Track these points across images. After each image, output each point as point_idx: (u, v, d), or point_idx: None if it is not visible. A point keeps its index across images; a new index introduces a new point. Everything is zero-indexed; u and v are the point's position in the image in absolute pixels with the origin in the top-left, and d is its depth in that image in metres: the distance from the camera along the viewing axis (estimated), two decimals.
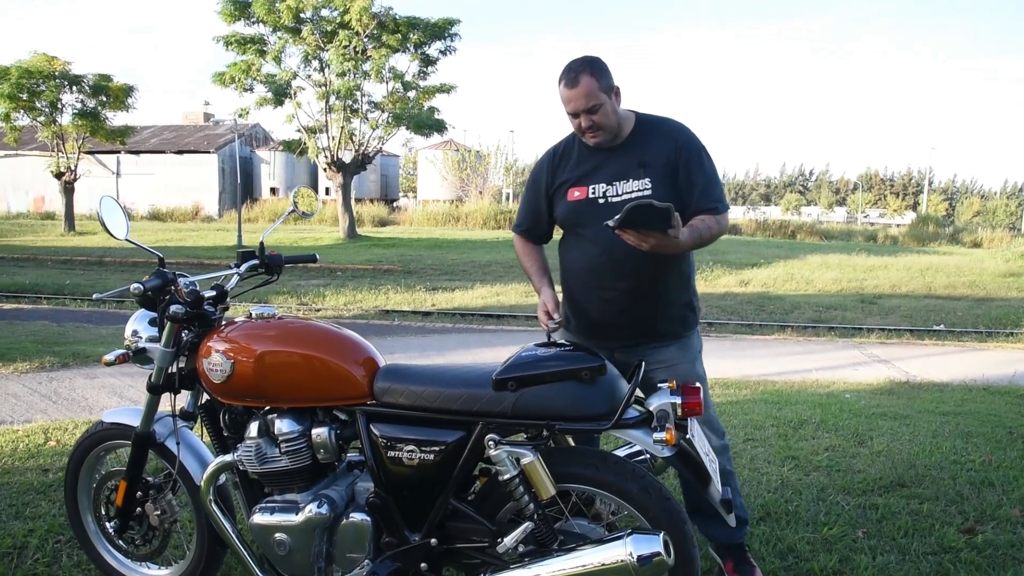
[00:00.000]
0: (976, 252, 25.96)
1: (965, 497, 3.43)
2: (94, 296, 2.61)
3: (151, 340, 2.35)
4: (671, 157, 2.46)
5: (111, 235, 2.25)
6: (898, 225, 44.41)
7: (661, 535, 1.84)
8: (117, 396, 5.44)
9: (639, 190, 2.45)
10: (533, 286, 2.67)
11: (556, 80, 2.43)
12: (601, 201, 2.49)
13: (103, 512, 2.58)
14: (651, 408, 1.95)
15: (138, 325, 2.39)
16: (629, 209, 2.07)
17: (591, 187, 2.51)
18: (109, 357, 2.32)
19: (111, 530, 2.56)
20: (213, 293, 2.38)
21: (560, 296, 2.65)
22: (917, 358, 7.84)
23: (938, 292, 14.26)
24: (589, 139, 2.49)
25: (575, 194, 2.53)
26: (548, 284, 2.63)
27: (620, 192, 2.48)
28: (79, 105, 24.13)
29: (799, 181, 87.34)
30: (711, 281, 15.07)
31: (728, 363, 7.29)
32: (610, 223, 2.10)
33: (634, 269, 2.44)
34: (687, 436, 1.95)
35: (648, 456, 2.22)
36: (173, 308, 2.20)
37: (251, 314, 2.29)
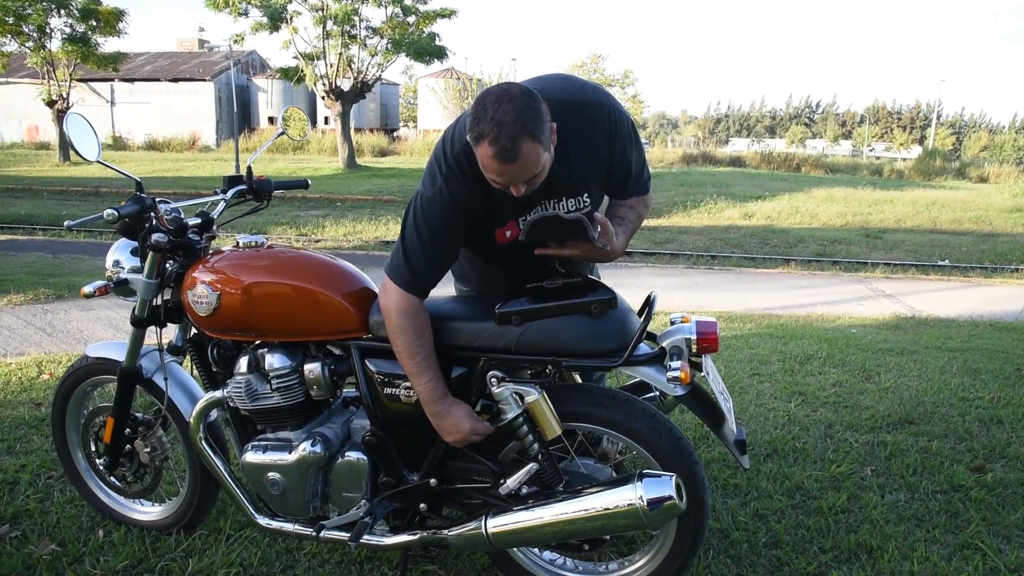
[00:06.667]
0: (983, 187, 25.63)
1: (974, 435, 3.37)
2: (65, 224, 2.43)
3: (133, 271, 2.22)
4: (605, 156, 1.94)
5: (81, 156, 2.08)
6: (904, 159, 43.70)
7: (673, 478, 1.75)
8: (113, 328, 5.36)
9: (577, 208, 1.98)
10: (429, 388, 1.90)
11: (473, 131, 1.68)
12: None
13: (92, 449, 2.49)
14: (664, 344, 1.84)
15: (119, 255, 2.26)
16: (531, 224, 1.80)
17: (522, 221, 1.94)
18: (88, 289, 2.19)
19: (101, 467, 2.48)
20: (198, 221, 2.23)
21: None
22: (922, 293, 7.76)
23: (943, 227, 14.13)
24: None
25: (507, 235, 1.98)
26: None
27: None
28: (68, 30, 23.40)
29: (805, 113, 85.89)
30: (715, 214, 14.90)
31: (732, 296, 7.21)
32: (520, 238, 1.84)
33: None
34: (702, 374, 1.85)
35: (657, 394, 2.12)
36: (155, 237, 2.07)
37: (238, 243, 2.16)
